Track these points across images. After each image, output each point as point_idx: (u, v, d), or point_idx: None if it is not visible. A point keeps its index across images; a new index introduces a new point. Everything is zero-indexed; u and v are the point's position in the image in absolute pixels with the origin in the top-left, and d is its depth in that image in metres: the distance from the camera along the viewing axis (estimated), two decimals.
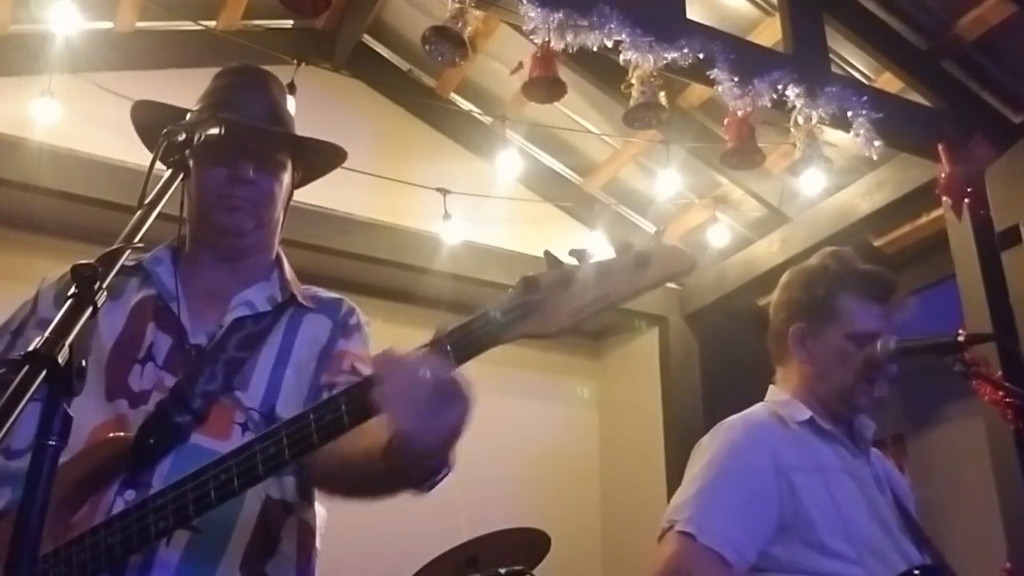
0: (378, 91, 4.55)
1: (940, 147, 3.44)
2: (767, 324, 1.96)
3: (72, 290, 0.96)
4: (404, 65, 4.59)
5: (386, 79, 4.54)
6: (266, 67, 1.58)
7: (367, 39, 4.48)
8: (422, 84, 4.60)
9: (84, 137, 3.60)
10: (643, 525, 2.92)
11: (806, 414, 1.78)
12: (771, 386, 1.93)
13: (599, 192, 4.83)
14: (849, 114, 3.19)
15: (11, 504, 1.22)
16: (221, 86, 1.50)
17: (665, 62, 2.97)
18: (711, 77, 3.05)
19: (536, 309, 1.04)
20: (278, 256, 1.53)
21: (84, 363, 0.90)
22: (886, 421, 2.82)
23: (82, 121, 3.60)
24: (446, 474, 1.13)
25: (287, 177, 1.49)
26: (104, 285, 0.98)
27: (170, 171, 1.20)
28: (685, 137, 4.15)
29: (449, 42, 3.00)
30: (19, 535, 0.83)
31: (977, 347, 1.89)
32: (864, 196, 3.93)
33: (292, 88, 3.38)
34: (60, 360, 0.87)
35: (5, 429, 0.80)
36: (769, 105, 3.15)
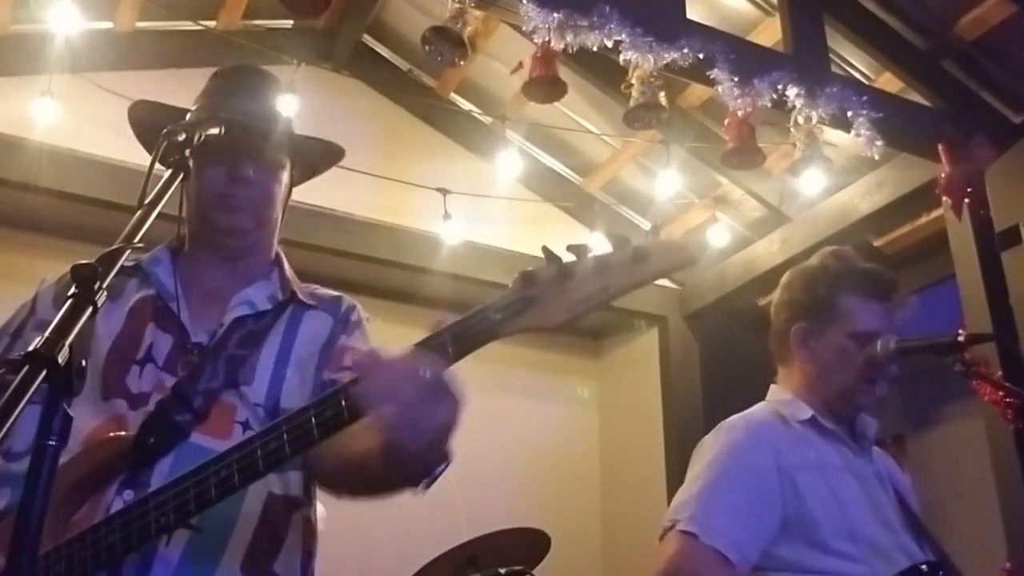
0: (378, 91, 4.54)
1: (940, 147, 3.43)
2: (767, 324, 1.96)
3: (72, 290, 0.95)
4: (404, 65, 4.58)
5: (386, 79, 4.54)
6: (266, 67, 1.58)
7: (367, 39, 4.47)
8: (422, 84, 4.60)
9: (84, 137, 3.59)
10: (643, 525, 2.92)
11: (808, 413, 1.79)
12: (773, 385, 1.93)
13: (599, 192, 4.83)
14: (849, 114, 3.18)
15: (11, 505, 1.22)
16: (219, 86, 1.50)
17: (665, 62, 2.97)
18: (711, 77, 3.05)
19: (535, 303, 1.04)
20: (278, 255, 1.53)
21: (84, 363, 0.90)
22: (886, 421, 2.82)
23: (82, 121, 3.59)
24: (444, 469, 1.13)
25: (286, 176, 1.50)
26: (104, 285, 0.98)
27: (170, 171, 1.20)
28: (685, 137, 4.14)
29: (449, 42, 2.99)
30: (19, 535, 0.83)
31: (977, 347, 1.89)
32: (864, 196, 3.92)
33: (292, 88, 3.38)
34: (60, 360, 0.87)
35: (5, 429, 0.80)
36: (769, 105, 3.15)
